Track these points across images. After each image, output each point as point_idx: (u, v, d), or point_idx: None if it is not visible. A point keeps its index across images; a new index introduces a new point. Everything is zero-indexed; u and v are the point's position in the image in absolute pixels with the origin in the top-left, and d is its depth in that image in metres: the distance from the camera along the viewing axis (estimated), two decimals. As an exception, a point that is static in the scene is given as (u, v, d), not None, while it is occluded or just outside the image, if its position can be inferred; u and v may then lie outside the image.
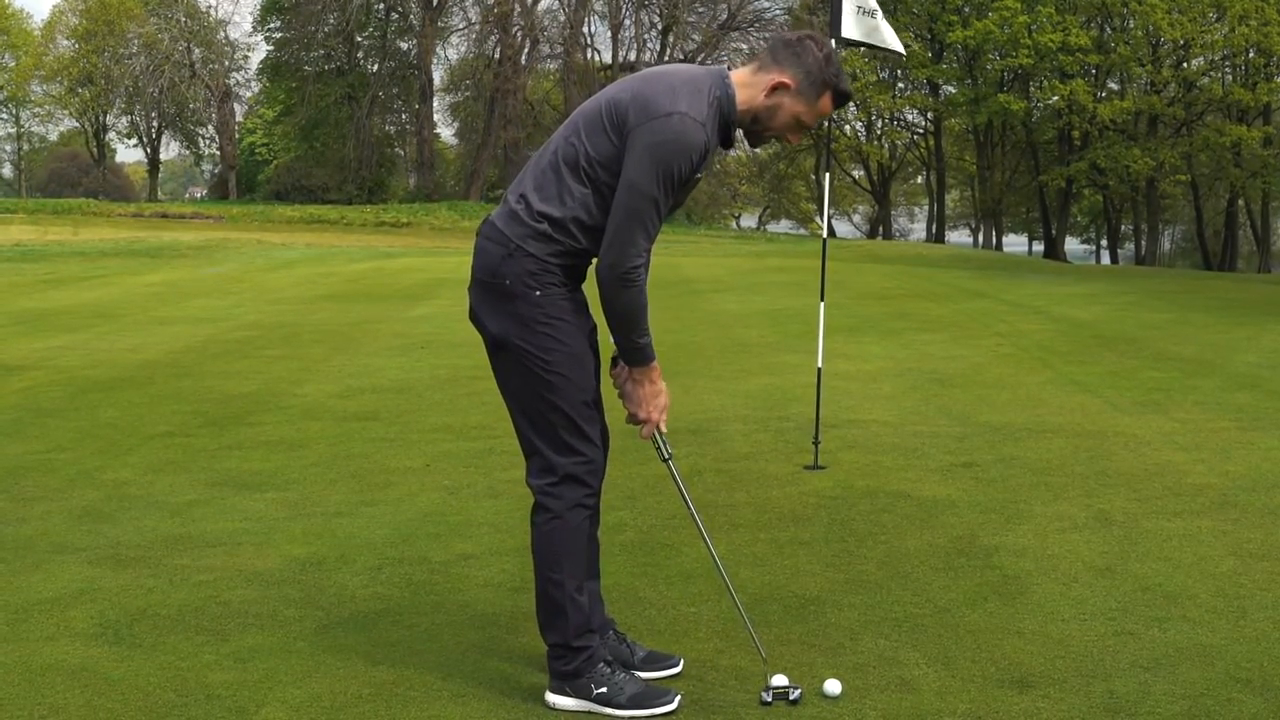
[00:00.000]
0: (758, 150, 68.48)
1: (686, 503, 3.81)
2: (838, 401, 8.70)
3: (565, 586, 3.60)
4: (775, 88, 3.54)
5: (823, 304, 7.47)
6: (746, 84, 3.57)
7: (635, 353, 3.58)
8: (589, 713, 3.61)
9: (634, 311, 3.50)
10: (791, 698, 3.64)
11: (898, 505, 5.95)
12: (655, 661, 3.88)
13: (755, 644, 3.81)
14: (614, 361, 3.70)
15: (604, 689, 3.61)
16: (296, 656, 4.04)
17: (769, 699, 3.64)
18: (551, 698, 3.65)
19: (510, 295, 3.51)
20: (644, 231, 3.43)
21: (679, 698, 3.64)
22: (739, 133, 3.66)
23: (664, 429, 3.70)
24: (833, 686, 3.69)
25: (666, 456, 3.74)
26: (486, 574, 4.92)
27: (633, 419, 3.69)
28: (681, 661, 3.92)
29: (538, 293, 3.50)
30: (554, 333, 3.53)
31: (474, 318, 3.64)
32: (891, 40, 7.13)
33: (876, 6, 7.02)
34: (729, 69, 3.65)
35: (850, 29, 6.93)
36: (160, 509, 5.96)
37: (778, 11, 63.98)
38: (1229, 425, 7.90)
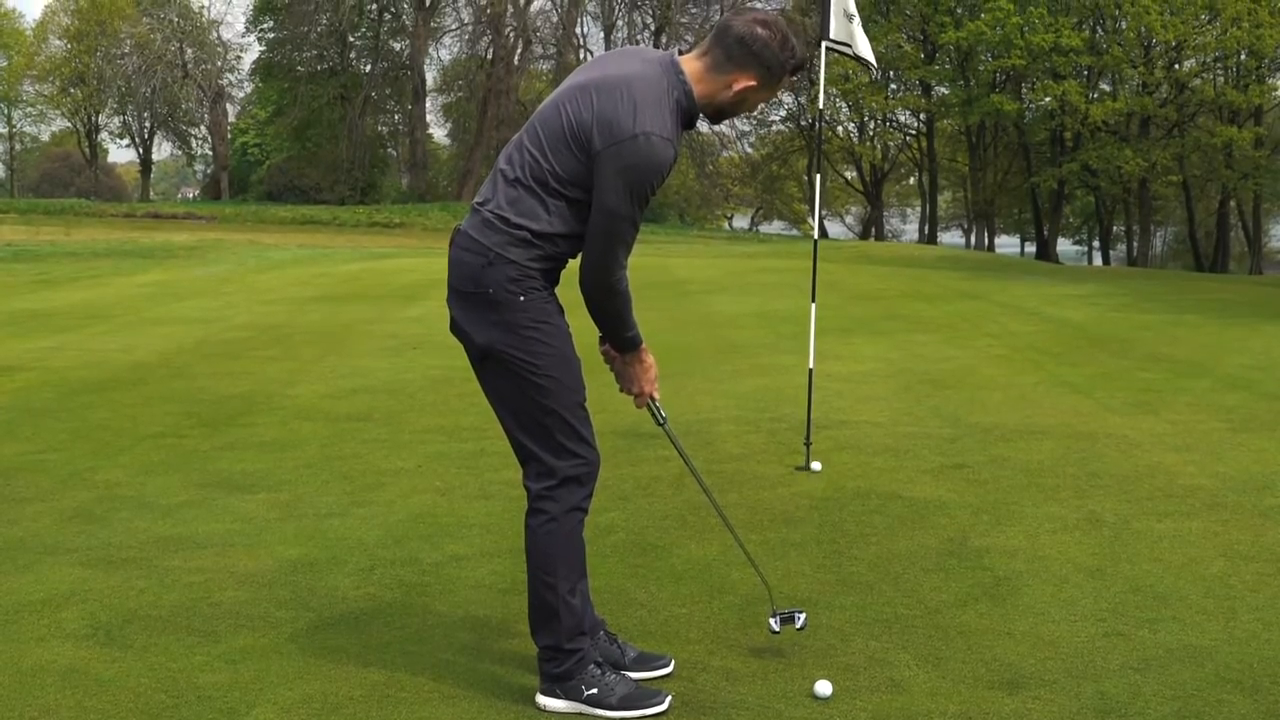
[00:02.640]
0: (750, 151, 68.67)
1: (684, 457, 3.97)
2: (829, 403, 8.71)
3: (559, 589, 3.60)
4: (740, 90, 3.55)
5: (814, 305, 7.48)
6: (702, 79, 3.54)
7: (624, 343, 3.68)
8: (580, 714, 3.61)
9: (621, 312, 3.58)
10: (798, 625, 3.97)
11: (889, 506, 5.96)
12: (646, 662, 3.88)
13: (758, 575, 4.19)
14: (601, 339, 3.77)
15: (594, 690, 3.61)
16: (288, 658, 4.04)
17: (777, 627, 3.98)
18: (542, 700, 3.65)
19: (494, 303, 3.50)
20: (624, 248, 3.48)
21: (669, 698, 3.64)
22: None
23: (657, 396, 3.83)
24: (823, 688, 3.70)
25: (662, 420, 3.87)
26: (478, 575, 4.92)
27: (627, 391, 3.82)
28: (672, 662, 3.93)
29: (522, 298, 3.50)
30: (541, 336, 3.53)
31: (457, 330, 3.62)
32: (865, 50, 7.15)
33: (855, 13, 7.06)
34: (678, 53, 3.60)
35: (837, 31, 6.96)
36: (152, 510, 5.95)
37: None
38: (1220, 426, 7.92)
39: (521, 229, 3.48)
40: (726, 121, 3.69)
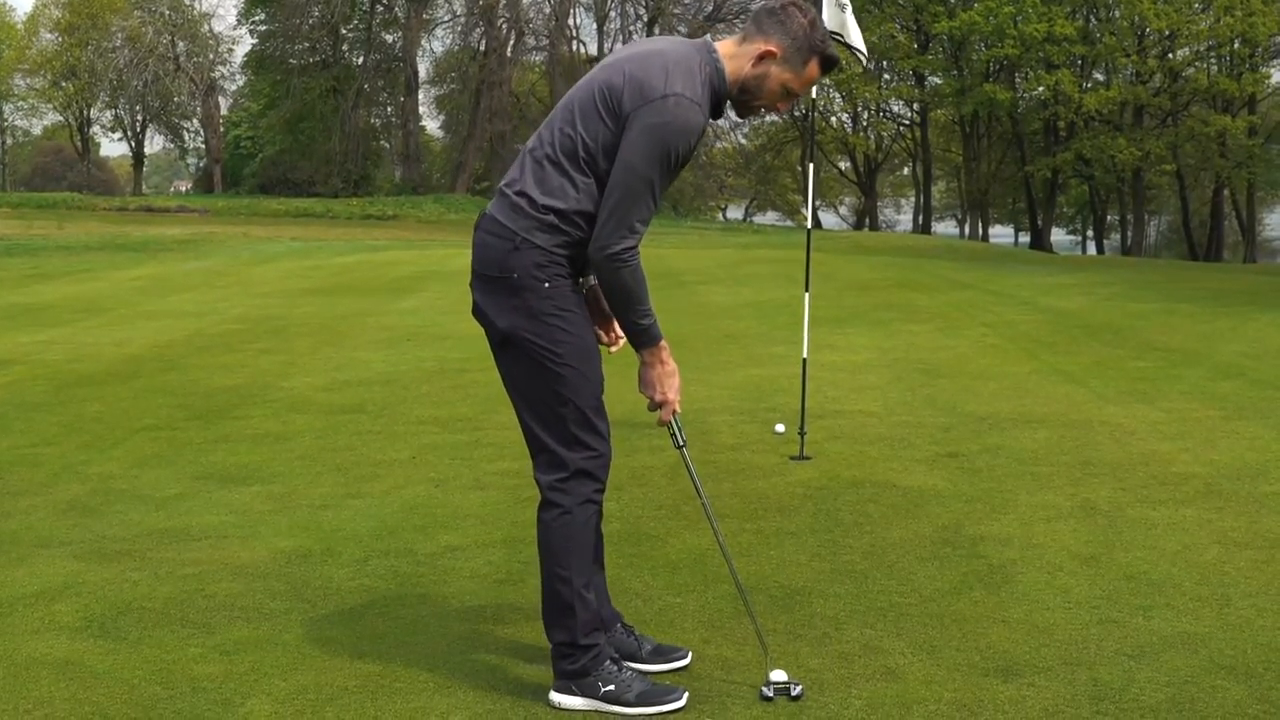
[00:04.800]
0: (744, 142, 68.61)
1: (698, 491, 3.79)
2: (824, 392, 8.72)
3: (573, 583, 3.53)
4: (762, 56, 3.50)
5: (808, 295, 7.48)
6: (733, 55, 3.53)
7: (640, 334, 3.51)
8: (596, 711, 3.54)
9: (632, 290, 3.42)
10: (793, 694, 3.59)
11: (883, 495, 5.96)
12: (663, 654, 3.83)
13: (758, 634, 3.81)
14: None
15: (611, 686, 3.55)
16: (282, 649, 4.04)
17: (770, 694, 3.60)
18: (557, 698, 3.57)
19: (517, 288, 3.44)
20: (639, 214, 3.37)
21: (686, 694, 3.58)
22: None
23: (679, 410, 3.64)
24: (777, 675, 3.66)
25: (681, 443, 3.69)
26: (473, 566, 4.92)
27: (651, 404, 3.60)
28: (690, 654, 3.87)
29: (546, 284, 3.44)
30: (564, 324, 3.47)
31: (479, 314, 3.56)
32: (856, 39, 7.17)
33: (847, 1, 7.05)
34: (714, 40, 3.62)
35: (829, 20, 6.96)
36: (146, 502, 5.95)
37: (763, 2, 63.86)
38: (1214, 414, 7.93)
39: (548, 211, 3.42)
40: (723, 114, 3.61)
